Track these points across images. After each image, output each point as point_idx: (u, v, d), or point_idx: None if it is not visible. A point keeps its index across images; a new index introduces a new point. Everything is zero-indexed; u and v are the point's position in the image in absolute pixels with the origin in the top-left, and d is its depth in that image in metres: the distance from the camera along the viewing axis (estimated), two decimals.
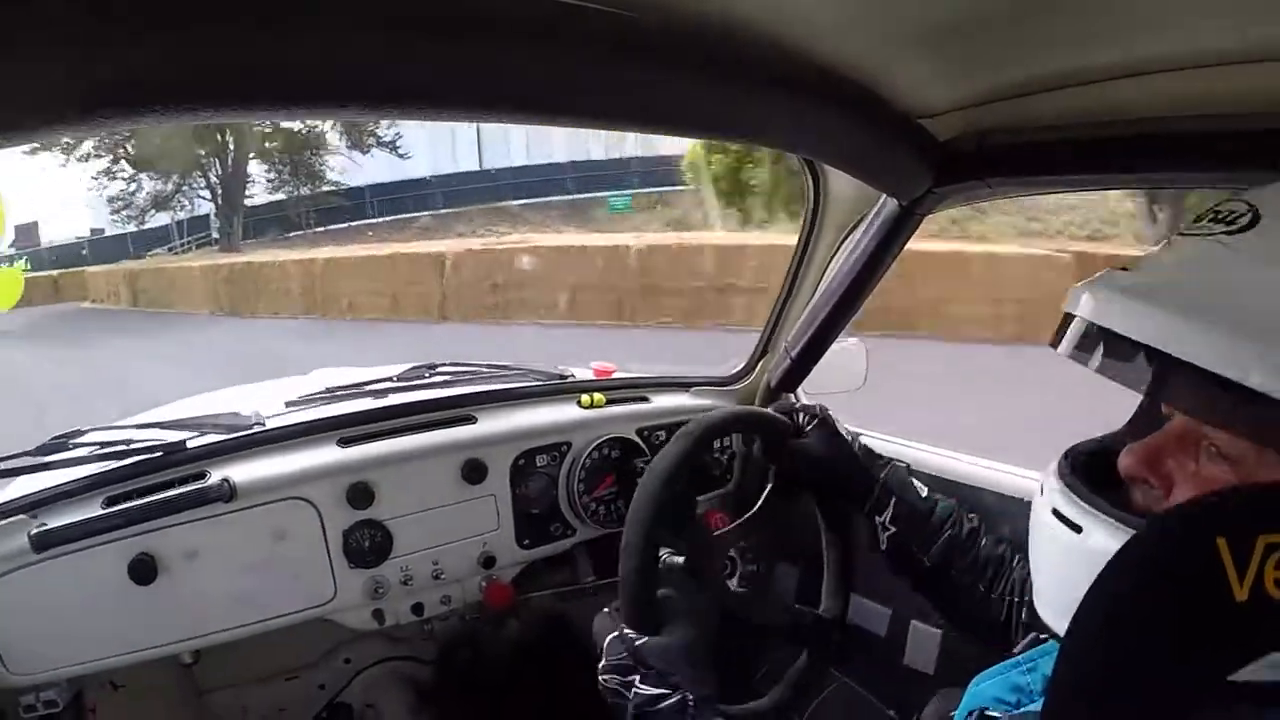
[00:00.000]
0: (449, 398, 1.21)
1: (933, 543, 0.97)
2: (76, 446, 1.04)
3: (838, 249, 1.20)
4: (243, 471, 1.02)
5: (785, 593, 1.34)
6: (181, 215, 16.94)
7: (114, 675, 1.08)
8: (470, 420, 1.18)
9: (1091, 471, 0.58)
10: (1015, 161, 0.88)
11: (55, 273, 16.29)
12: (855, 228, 1.15)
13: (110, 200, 16.00)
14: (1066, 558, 0.57)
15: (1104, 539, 0.54)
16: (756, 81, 0.65)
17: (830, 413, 1.07)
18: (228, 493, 0.98)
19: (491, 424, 1.18)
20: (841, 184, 1.13)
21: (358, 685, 1.28)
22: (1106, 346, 0.55)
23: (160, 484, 0.99)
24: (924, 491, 1.01)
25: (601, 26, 0.53)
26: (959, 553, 0.96)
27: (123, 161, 15.43)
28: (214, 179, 15.98)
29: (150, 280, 13.89)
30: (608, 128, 0.72)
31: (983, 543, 0.97)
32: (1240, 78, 0.64)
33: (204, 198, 16.29)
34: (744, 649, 1.22)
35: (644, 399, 1.31)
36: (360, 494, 1.06)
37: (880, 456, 1.05)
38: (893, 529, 0.98)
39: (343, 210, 16.41)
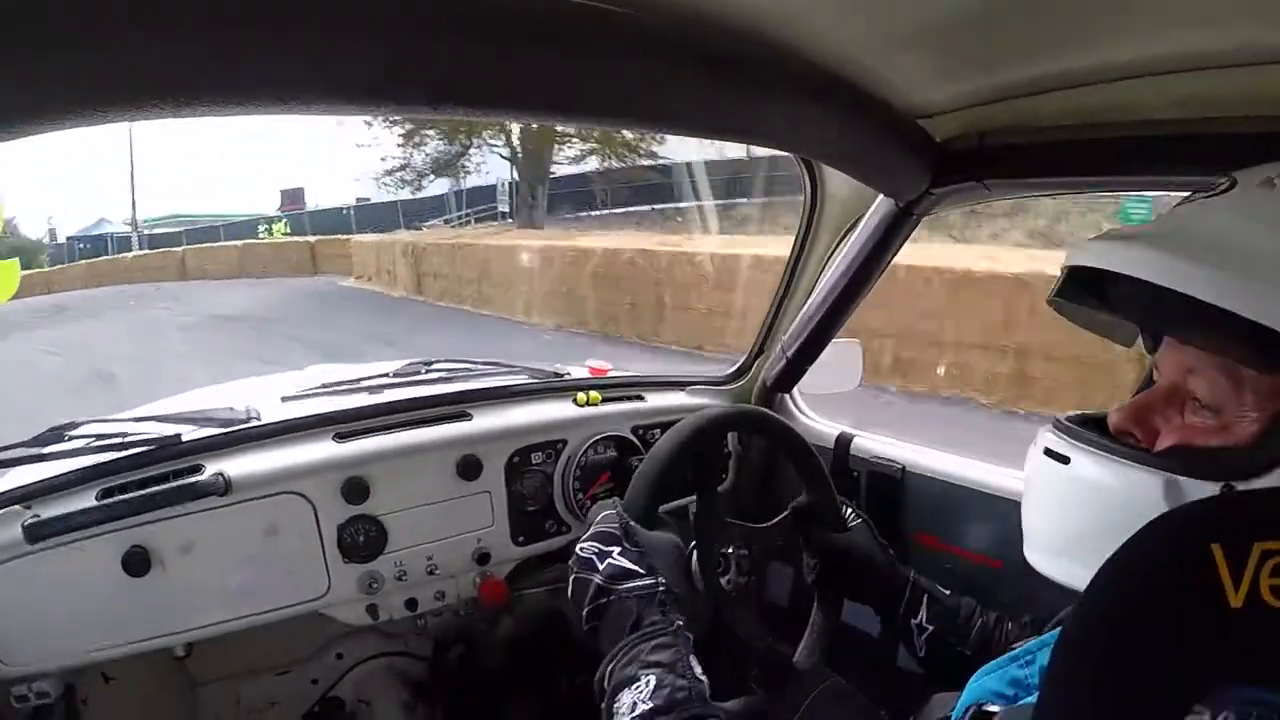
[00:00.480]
0: (445, 394, 1.21)
1: (968, 634, 0.95)
2: (72, 438, 1.04)
3: (835, 249, 1.19)
4: (238, 465, 1.01)
5: (778, 596, 1.34)
6: (462, 184, 14.65)
7: (106, 667, 1.08)
8: (466, 417, 1.17)
9: (1085, 428, 0.61)
10: (1013, 163, 0.87)
11: (313, 239, 14.45)
12: (852, 228, 1.15)
13: (384, 161, 13.45)
14: (1056, 491, 0.60)
15: (1091, 467, 0.57)
16: (754, 81, 0.65)
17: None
18: (222, 486, 0.97)
19: (487, 421, 1.18)
20: (839, 184, 1.14)
21: (351, 680, 1.28)
22: (1108, 291, 0.56)
23: (155, 477, 0.99)
24: (945, 591, 1.00)
25: (598, 24, 0.53)
26: (994, 642, 0.94)
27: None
28: (514, 142, 12.79)
29: (441, 261, 9.51)
30: (605, 126, 0.72)
31: (1009, 626, 0.95)
32: (1238, 80, 0.64)
33: (503, 156, 13.19)
34: (736, 647, 1.22)
35: (639, 397, 1.31)
36: (355, 489, 1.06)
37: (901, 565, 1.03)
38: (930, 628, 0.97)
39: (655, 189, 12.73)
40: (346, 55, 0.47)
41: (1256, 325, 0.49)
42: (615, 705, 0.69)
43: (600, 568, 0.79)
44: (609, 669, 0.73)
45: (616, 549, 0.80)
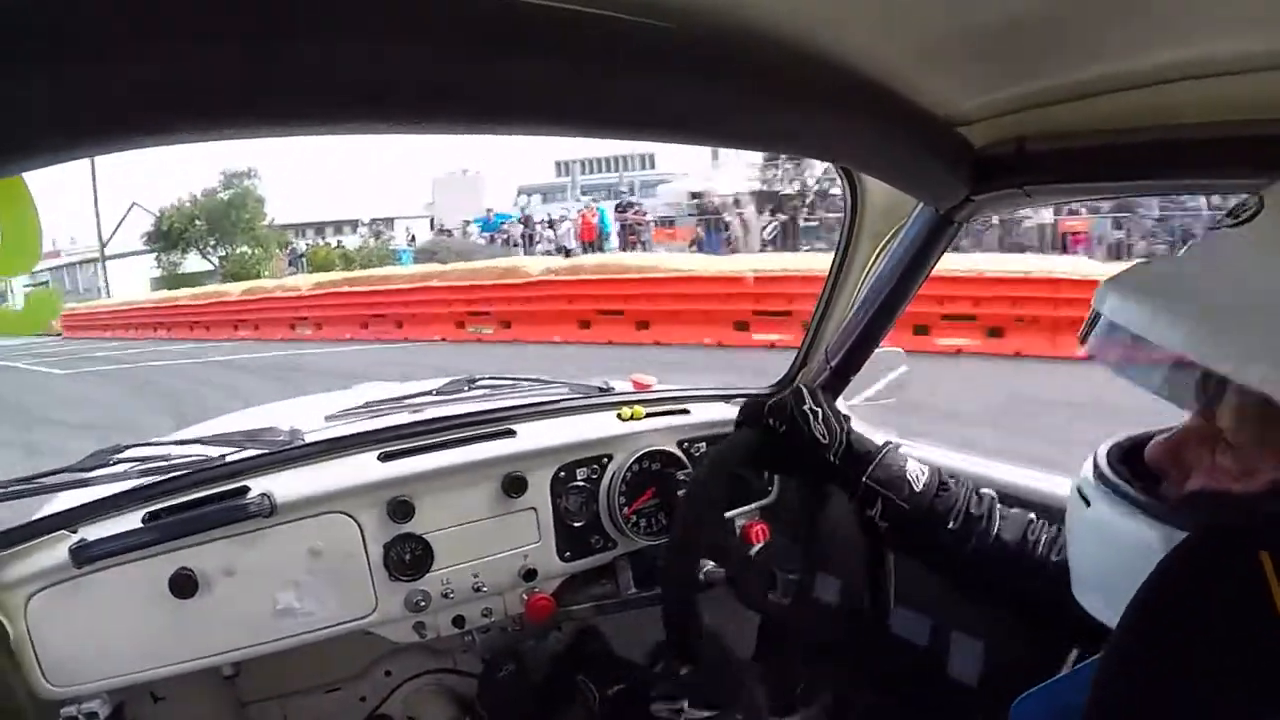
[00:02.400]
0: (488, 411, 1.20)
1: (933, 538, 0.93)
2: (117, 461, 1.04)
3: (876, 259, 1.17)
4: (283, 486, 1.01)
5: (827, 603, 1.34)
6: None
7: (155, 687, 1.08)
8: (510, 434, 1.16)
9: (1131, 463, 0.61)
10: (1053, 168, 0.86)
11: None
12: (893, 237, 1.13)
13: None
14: (1077, 531, 0.64)
15: (1108, 512, 0.59)
16: (793, 91, 0.64)
17: (817, 392, 1.05)
18: (268, 508, 0.97)
19: (531, 437, 1.17)
20: (879, 193, 1.11)
21: (399, 697, 1.27)
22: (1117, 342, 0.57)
23: (201, 499, 0.98)
24: (919, 483, 0.96)
25: (638, 38, 0.53)
26: (975, 541, 0.92)
27: None
28: None
29: None
30: (646, 139, 0.72)
31: (998, 523, 0.92)
32: (1278, 83, 0.62)
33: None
34: (784, 662, 1.23)
35: (684, 411, 1.29)
36: (400, 508, 1.05)
37: (873, 446, 1.01)
38: (884, 525, 0.96)
39: None
40: (417, 73, 0.47)
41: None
42: None
43: None
44: None
45: (684, 703, 0.89)
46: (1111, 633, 0.52)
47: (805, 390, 1.05)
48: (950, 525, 0.93)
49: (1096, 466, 0.62)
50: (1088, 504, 0.61)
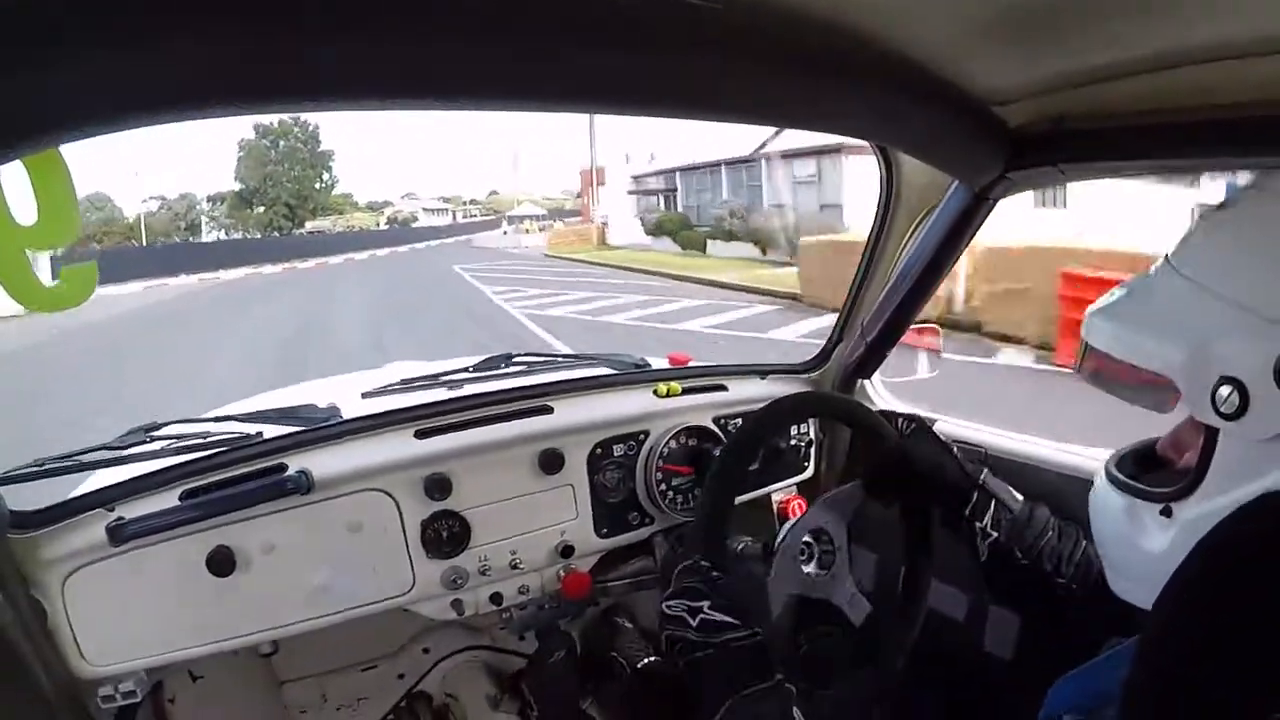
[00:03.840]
0: (525, 388, 1.19)
1: (1034, 549, 0.93)
2: (154, 439, 1.03)
3: (911, 236, 1.18)
4: (320, 463, 1.00)
5: (863, 578, 1.35)
6: None
7: (193, 665, 1.07)
8: (547, 410, 1.15)
9: (1144, 463, 0.72)
10: (1089, 146, 0.86)
11: None
12: (928, 214, 1.13)
13: None
14: (1090, 507, 0.74)
15: (1101, 487, 0.72)
16: (833, 71, 0.65)
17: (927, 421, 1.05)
18: (306, 485, 0.96)
19: (568, 414, 1.16)
20: (914, 170, 1.12)
21: (437, 674, 1.27)
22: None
23: (238, 477, 0.98)
24: (1019, 498, 0.97)
25: (690, 20, 0.54)
26: (1063, 558, 0.92)
27: None
28: None
29: None
30: (689, 117, 0.72)
31: (1084, 545, 0.92)
32: None
33: None
34: (816, 635, 1.23)
35: (720, 387, 1.28)
36: (438, 485, 1.05)
37: (972, 463, 1.01)
38: (994, 535, 0.95)
39: None
40: (485, 53, 0.50)
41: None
42: None
43: (693, 624, 0.81)
44: None
45: (705, 604, 0.81)
46: (1149, 614, 0.53)
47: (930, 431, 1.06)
48: (1050, 535, 0.94)
49: (1107, 471, 0.71)
50: (1090, 485, 0.72)
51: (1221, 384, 0.58)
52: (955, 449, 1.02)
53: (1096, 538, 0.74)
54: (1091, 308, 0.70)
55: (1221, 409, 0.59)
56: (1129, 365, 0.64)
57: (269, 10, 0.43)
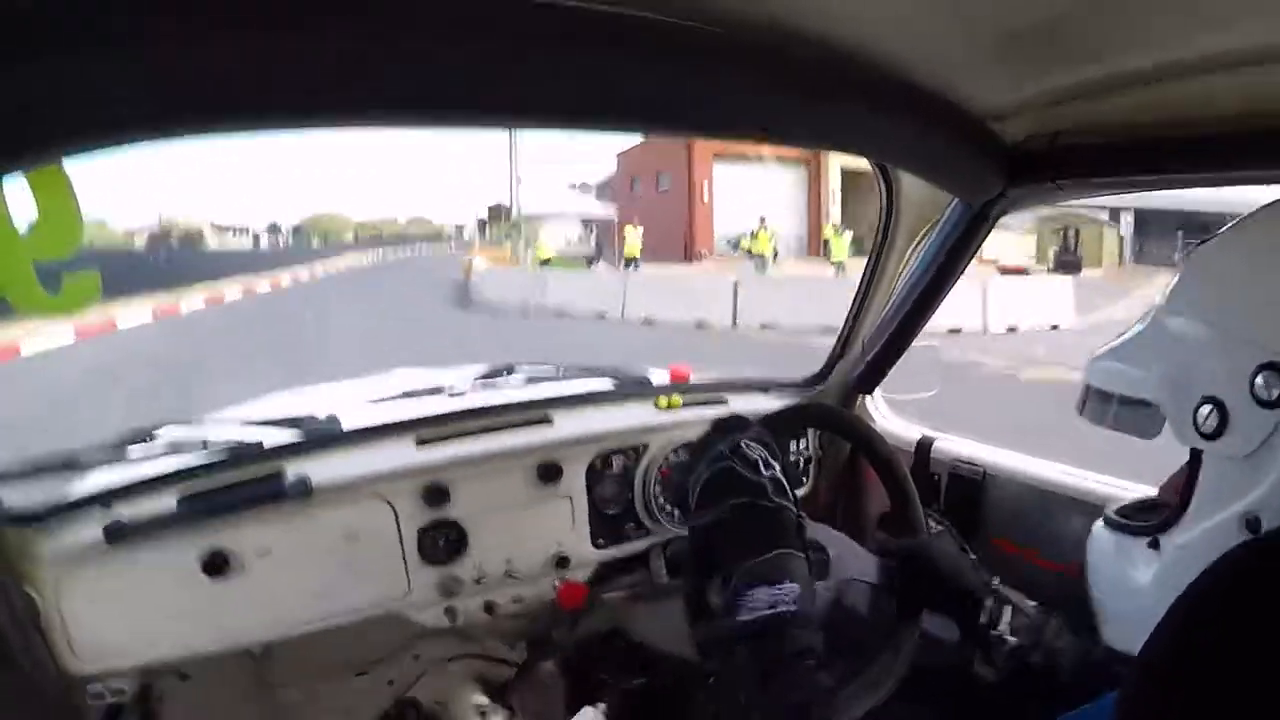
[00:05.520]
0: (526, 399, 1.19)
1: (1054, 652, 0.90)
2: (153, 441, 1.03)
3: (912, 252, 1.18)
4: (320, 470, 1.00)
5: (855, 604, 1.33)
6: None
7: (183, 666, 1.06)
8: (547, 422, 1.15)
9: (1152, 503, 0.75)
10: (1087, 162, 0.86)
11: None
12: (929, 231, 1.13)
13: None
14: (1087, 554, 0.76)
15: (1097, 531, 0.75)
16: (829, 89, 0.66)
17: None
18: (305, 489, 0.97)
19: (568, 425, 1.16)
20: (914, 188, 1.12)
21: (427, 681, 1.26)
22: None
23: (237, 482, 0.98)
24: (1030, 604, 0.94)
25: (692, 41, 0.56)
26: (1087, 664, 0.88)
27: None
28: None
29: None
30: (690, 135, 0.75)
31: (1101, 648, 0.87)
32: None
33: None
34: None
35: (721, 401, 1.28)
36: (436, 494, 1.05)
37: (982, 570, 0.99)
38: (1012, 640, 0.92)
39: None
40: (479, 75, 0.51)
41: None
42: None
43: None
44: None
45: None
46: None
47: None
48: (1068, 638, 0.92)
49: (1105, 516, 0.74)
50: (1098, 540, 0.74)
51: (1202, 404, 0.61)
52: (968, 557, 1.01)
53: (1092, 587, 0.76)
54: (1093, 355, 0.74)
55: (1203, 429, 0.61)
56: (1123, 398, 0.68)
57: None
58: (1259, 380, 0.58)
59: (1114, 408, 0.70)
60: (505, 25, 0.49)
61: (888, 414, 1.36)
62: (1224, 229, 0.68)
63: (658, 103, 0.60)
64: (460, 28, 0.47)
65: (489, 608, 1.13)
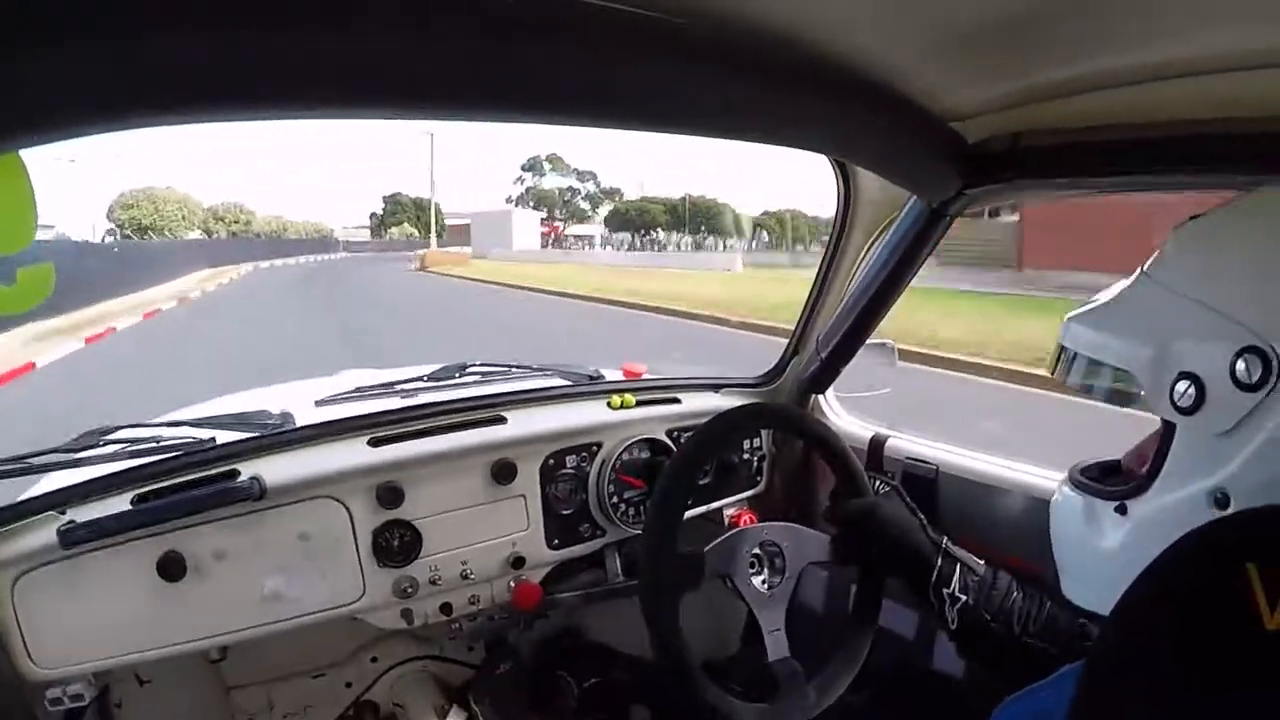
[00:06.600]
0: (479, 397, 1.18)
1: (1004, 610, 0.92)
2: (107, 443, 1.02)
3: (868, 250, 1.18)
4: (273, 470, 1.00)
5: (811, 598, 1.35)
6: None
7: (141, 670, 1.06)
8: (500, 420, 1.15)
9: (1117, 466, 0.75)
10: (1047, 163, 0.86)
11: None
12: (885, 228, 1.13)
13: None
14: (1051, 515, 0.77)
15: (1062, 492, 0.75)
16: (789, 85, 0.65)
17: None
18: (258, 491, 0.96)
19: (522, 424, 1.16)
20: (871, 185, 1.12)
21: (385, 684, 1.26)
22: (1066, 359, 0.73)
23: (190, 482, 0.97)
24: (980, 564, 0.96)
25: (649, 32, 0.54)
26: (1030, 618, 0.90)
27: None
28: None
29: None
30: (645, 129, 0.72)
31: (1048, 605, 0.91)
32: (1273, 81, 0.62)
33: None
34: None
35: (674, 400, 1.28)
36: (390, 494, 1.04)
37: (934, 529, 1.00)
38: (963, 598, 0.93)
39: None
40: (435, 63, 0.49)
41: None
42: None
43: None
44: None
45: None
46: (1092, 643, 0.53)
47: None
48: (1016, 596, 0.94)
49: (1070, 475, 0.74)
50: (1064, 501, 0.74)
51: (1180, 379, 0.61)
52: (919, 517, 1.02)
53: (1055, 542, 0.76)
54: (1068, 315, 0.74)
55: (1179, 403, 0.61)
56: (1094, 361, 0.68)
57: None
58: (1240, 363, 0.58)
59: (1085, 369, 0.70)
60: (442, 15, 0.47)
61: (841, 412, 1.37)
62: (1217, 207, 0.68)
63: (607, 96, 0.59)
64: (408, 14, 0.46)
65: (446, 609, 1.13)
